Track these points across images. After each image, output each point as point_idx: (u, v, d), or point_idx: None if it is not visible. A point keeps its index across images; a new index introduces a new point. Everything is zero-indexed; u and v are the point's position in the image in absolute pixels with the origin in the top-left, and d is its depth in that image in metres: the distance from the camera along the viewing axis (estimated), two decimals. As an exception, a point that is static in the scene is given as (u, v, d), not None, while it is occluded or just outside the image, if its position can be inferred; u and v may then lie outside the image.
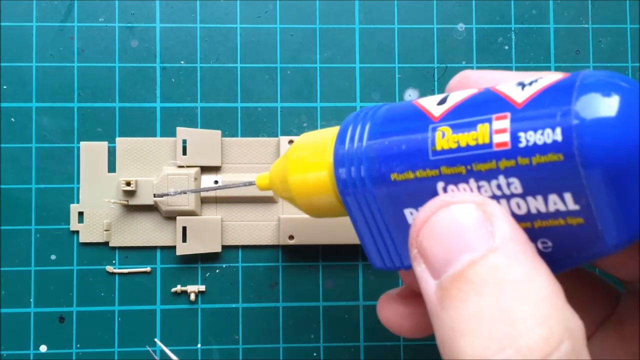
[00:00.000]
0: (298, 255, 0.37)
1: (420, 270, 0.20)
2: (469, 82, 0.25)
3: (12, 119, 0.36)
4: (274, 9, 0.38)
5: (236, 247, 0.37)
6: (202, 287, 0.37)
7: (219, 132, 0.37)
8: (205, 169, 0.37)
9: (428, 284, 0.20)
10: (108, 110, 0.37)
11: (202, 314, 0.37)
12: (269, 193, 0.36)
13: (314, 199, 0.25)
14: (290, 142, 0.36)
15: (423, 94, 0.38)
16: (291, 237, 0.36)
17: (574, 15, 0.39)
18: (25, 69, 0.37)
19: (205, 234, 0.36)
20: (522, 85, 0.19)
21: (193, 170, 0.36)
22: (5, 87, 0.37)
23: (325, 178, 0.24)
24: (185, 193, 0.35)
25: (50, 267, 0.36)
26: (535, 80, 0.19)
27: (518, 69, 0.38)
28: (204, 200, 0.37)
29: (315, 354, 0.37)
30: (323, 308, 0.37)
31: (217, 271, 0.37)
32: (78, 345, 0.36)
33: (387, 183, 0.21)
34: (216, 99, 0.37)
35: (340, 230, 0.36)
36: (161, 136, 0.37)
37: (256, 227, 0.37)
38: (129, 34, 0.37)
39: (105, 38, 0.37)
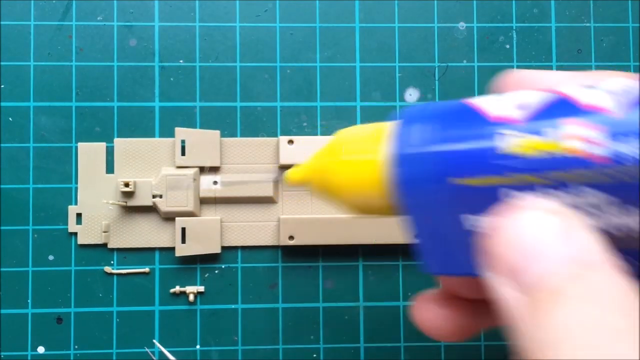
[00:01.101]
0: (298, 256, 0.37)
1: (496, 279, 0.20)
2: (522, 83, 0.24)
3: (10, 119, 0.36)
4: (273, 7, 0.38)
5: (235, 247, 0.37)
6: (201, 288, 0.36)
7: (217, 132, 0.36)
8: (204, 170, 0.37)
9: (508, 293, 0.19)
10: (106, 109, 0.37)
11: (201, 314, 0.36)
12: (269, 192, 0.36)
13: (362, 197, 0.24)
14: (290, 142, 0.36)
15: (424, 94, 0.38)
16: (291, 238, 0.36)
17: (576, 14, 0.39)
18: (23, 68, 0.36)
19: (205, 235, 0.36)
20: (599, 89, 0.18)
21: (192, 171, 0.36)
22: (3, 86, 0.36)
23: (378, 177, 0.23)
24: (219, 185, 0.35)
25: (48, 268, 0.36)
26: (611, 85, 0.18)
27: (519, 67, 0.38)
28: (203, 201, 0.36)
29: (315, 355, 0.37)
30: (323, 309, 0.37)
31: (217, 272, 0.37)
32: (76, 347, 0.36)
33: (450, 187, 0.20)
34: (215, 98, 0.37)
35: (340, 230, 0.36)
36: (160, 135, 0.37)
37: (256, 228, 0.37)
38: (128, 32, 0.37)
39: (103, 37, 0.37)
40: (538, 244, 0.18)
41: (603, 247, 0.19)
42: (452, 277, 0.25)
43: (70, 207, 0.36)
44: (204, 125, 0.37)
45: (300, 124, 0.37)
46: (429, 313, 0.26)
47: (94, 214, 0.36)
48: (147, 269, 0.36)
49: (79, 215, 0.36)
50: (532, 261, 0.18)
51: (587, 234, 0.19)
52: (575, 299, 0.18)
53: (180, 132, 0.36)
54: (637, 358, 0.16)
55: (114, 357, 0.36)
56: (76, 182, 0.36)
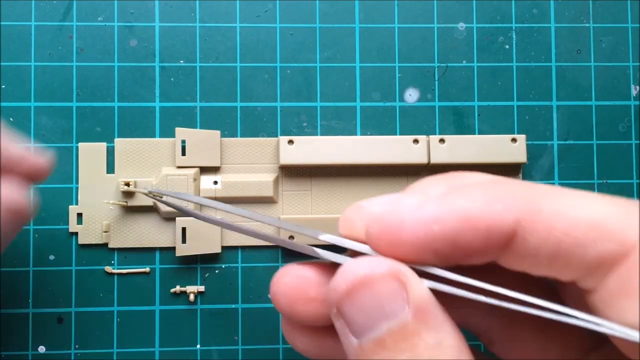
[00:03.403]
0: (298, 256, 0.37)
1: (340, 325, 0.23)
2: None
3: (11, 119, 0.36)
4: (273, 8, 0.38)
5: (236, 247, 0.37)
6: (202, 288, 0.36)
7: (218, 132, 0.37)
8: (204, 170, 0.37)
9: (348, 338, 0.22)
10: (107, 109, 0.37)
11: (201, 314, 0.36)
12: (269, 192, 0.36)
13: None
14: (290, 142, 0.36)
15: (423, 94, 0.38)
16: (291, 237, 0.36)
17: (575, 15, 0.39)
18: (24, 68, 0.37)
19: (205, 235, 0.36)
20: None
21: (192, 171, 0.36)
22: (3, 86, 0.36)
23: None
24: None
25: (48, 268, 0.36)
26: None
27: (519, 68, 0.38)
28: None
29: (315, 355, 0.37)
30: (323, 308, 0.37)
31: (217, 271, 0.37)
32: (77, 346, 0.36)
33: None
34: (216, 98, 0.37)
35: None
36: (160, 136, 0.37)
37: (256, 228, 0.37)
38: (128, 33, 0.37)
39: (104, 37, 0.37)
40: (377, 305, 0.22)
41: (432, 300, 0.22)
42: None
43: (70, 207, 0.36)
44: (204, 125, 0.37)
45: (301, 124, 0.37)
46: (300, 341, 0.28)
47: (94, 214, 0.36)
48: (147, 269, 0.36)
49: (79, 215, 0.36)
50: (370, 319, 0.22)
51: (418, 291, 0.22)
52: (405, 352, 0.21)
53: (181, 132, 0.36)
54: None
55: (115, 357, 0.36)
56: (77, 182, 0.36)
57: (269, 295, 0.28)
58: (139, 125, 0.37)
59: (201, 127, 0.37)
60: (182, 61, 0.37)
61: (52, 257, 0.36)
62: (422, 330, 0.21)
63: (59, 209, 0.36)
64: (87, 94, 0.37)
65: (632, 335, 0.20)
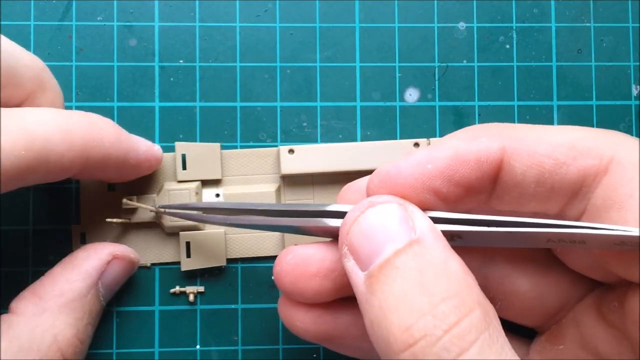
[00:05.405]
0: (298, 256, 0.37)
1: (350, 265, 0.23)
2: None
3: (10, 119, 0.36)
4: (273, 7, 0.38)
5: (238, 259, 0.37)
6: (201, 288, 0.36)
7: (218, 145, 0.36)
8: (206, 183, 0.36)
9: (357, 275, 0.23)
10: (106, 109, 0.37)
11: (201, 314, 0.36)
12: (271, 197, 0.36)
13: None
14: (291, 151, 0.36)
15: (424, 94, 0.38)
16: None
17: (576, 14, 0.39)
18: (22, 68, 0.36)
19: (209, 248, 0.36)
20: None
21: (194, 185, 0.36)
22: (2, 86, 0.36)
23: None
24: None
25: (48, 268, 0.36)
26: None
27: (519, 68, 0.38)
28: (206, 214, 0.36)
29: (315, 355, 0.37)
30: (323, 309, 0.37)
31: (217, 272, 0.37)
32: (76, 346, 0.36)
33: None
34: (215, 98, 0.37)
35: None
36: (160, 136, 0.37)
37: (260, 239, 0.36)
38: (128, 32, 0.37)
39: (103, 37, 0.37)
40: (383, 230, 0.23)
41: (436, 229, 0.23)
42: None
43: (73, 226, 0.36)
44: (203, 125, 0.37)
45: (300, 124, 0.37)
46: (300, 320, 0.29)
47: (97, 233, 0.36)
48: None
49: (82, 235, 0.36)
50: (377, 244, 0.22)
51: (424, 220, 0.23)
52: (412, 271, 0.21)
53: (180, 146, 0.36)
54: (459, 313, 0.20)
55: (114, 357, 0.36)
56: (77, 183, 0.36)
57: (272, 277, 0.28)
58: (138, 125, 0.37)
59: (201, 127, 0.37)
60: (181, 61, 0.37)
61: (51, 257, 0.36)
62: (429, 250, 0.22)
63: (59, 209, 0.36)
64: (86, 93, 0.37)
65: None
